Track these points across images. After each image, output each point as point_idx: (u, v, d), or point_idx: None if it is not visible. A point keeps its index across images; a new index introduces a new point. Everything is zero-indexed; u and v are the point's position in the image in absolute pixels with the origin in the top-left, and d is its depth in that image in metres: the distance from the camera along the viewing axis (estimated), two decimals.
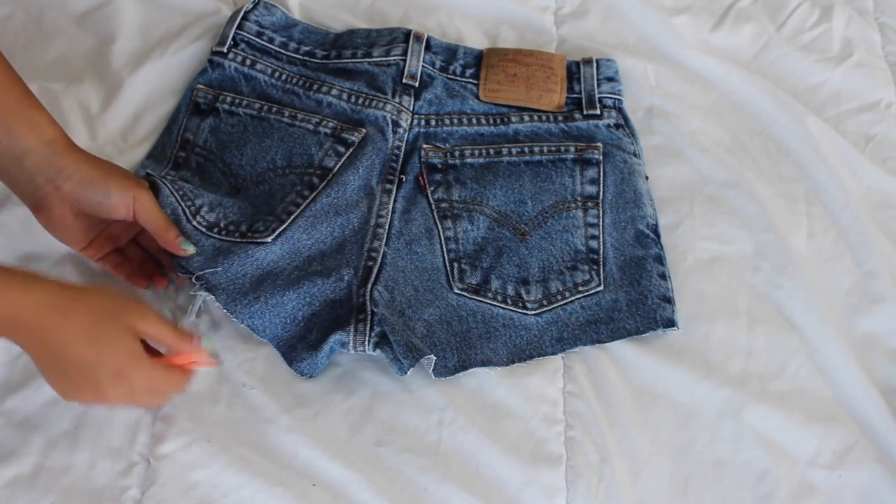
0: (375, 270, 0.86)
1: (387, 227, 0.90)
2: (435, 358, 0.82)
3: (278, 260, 0.86)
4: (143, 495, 0.76)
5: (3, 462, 0.76)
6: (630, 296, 0.90)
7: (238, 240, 0.86)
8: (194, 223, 0.86)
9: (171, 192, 0.86)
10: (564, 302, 0.89)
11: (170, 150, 0.93)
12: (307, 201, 0.89)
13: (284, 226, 0.87)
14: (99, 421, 0.79)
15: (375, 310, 0.83)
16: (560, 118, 0.99)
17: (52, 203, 0.78)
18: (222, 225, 0.87)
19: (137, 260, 0.86)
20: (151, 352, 0.74)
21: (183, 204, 0.86)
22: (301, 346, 0.83)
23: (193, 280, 0.83)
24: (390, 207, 0.91)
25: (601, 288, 0.90)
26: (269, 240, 0.86)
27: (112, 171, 0.80)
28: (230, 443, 0.79)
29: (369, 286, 0.85)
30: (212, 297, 0.83)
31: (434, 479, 0.79)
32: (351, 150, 0.93)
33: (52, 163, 0.77)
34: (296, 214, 0.88)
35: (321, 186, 0.90)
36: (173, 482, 0.77)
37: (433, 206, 0.93)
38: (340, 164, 0.92)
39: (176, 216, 0.85)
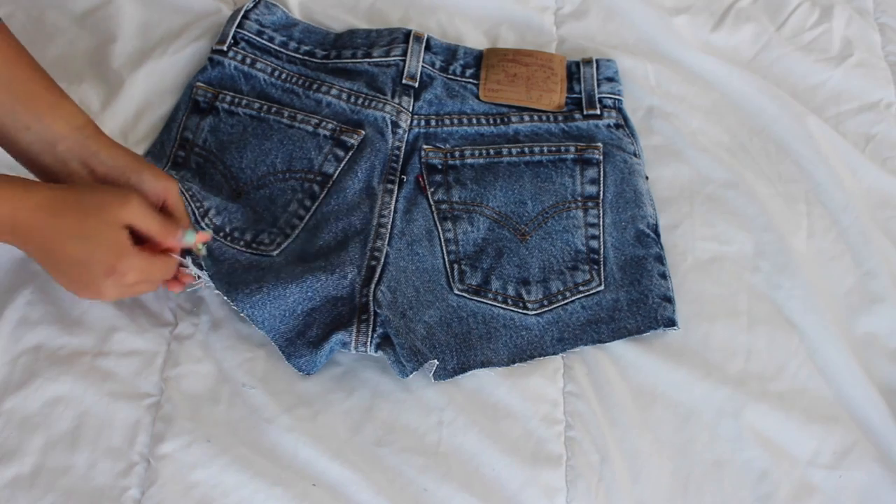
0: (379, 270, 0.87)
1: (389, 227, 0.90)
2: (437, 362, 0.82)
3: (282, 260, 0.86)
4: (143, 495, 0.76)
5: (3, 462, 0.76)
6: (631, 295, 0.90)
7: (243, 249, 0.87)
8: (202, 225, 0.87)
9: (182, 192, 0.86)
10: (565, 302, 0.89)
11: (169, 149, 0.94)
12: (309, 213, 0.89)
13: (289, 241, 0.88)
14: (99, 421, 0.79)
15: (378, 311, 0.83)
16: (560, 118, 0.99)
17: None
18: (228, 230, 0.88)
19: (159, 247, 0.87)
20: (139, 239, 0.77)
21: (192, 205, 0.87)
22: (300, 342, 0.83)
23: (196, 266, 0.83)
24: (392, 207, 0.91)
25: (602, 288, 0.90)
26: (274, 254, 0.87)
27: (143, 160, 0.82)
28: (230, 443, 0.79)
29: (373, 286, 0.85)
30: (211, 287, 0.83)
31: (434, 479, 0.79)
32: (350, 154, 0.93)
33: (85, 147, 0.79)
34: (300, 228, 0.89)
35: (322, 196, 0.90)
36: (173, 482, 0.77)
37: (433, 208, 0.93)
38: (340, 169, 0.92)
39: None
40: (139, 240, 0.76)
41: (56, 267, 0.75)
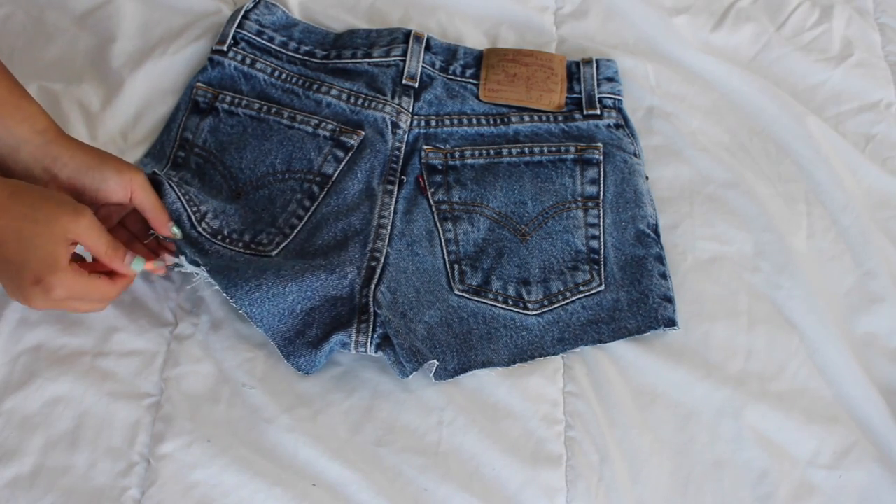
0: (379, 271, 0.87)
1: (389, 227, 0.90)
2: (437, 363, 0.82)
3: (282, 260, 0.87)
4: (143, 495, 0.76)
5: (3, 462, 0.76)
6: (631, 295, 0.90)
7: (241, 250, 0.87)
8: (199, 229, 0.87)
9: (178, 197, 0.86)
10: (565, 302, 0.89)
11: (169, 149, 0.93)
12: (309, 213, 0.89)
13: (288, 240, 0.88)
14: (99, 421, 0.79)
15: (379, 311, 0.83)
16: (560, 118, 0.99)
17: None
18: (226, 233, 0.88)
19: (124, 241, 0.86)
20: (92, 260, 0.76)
21: (189, 209, 0.87)
22: (300, 342, 0.83)
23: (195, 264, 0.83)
24: (392, 208, 0.91)
25: (602, 288, 0.90)
26: (273, 254, 0.87)
27: (105, 157, 0.80)
28: (230, 443, 0.79)
29: (373, 287, 0.85)
30: (210, 284, 0.83)
31: (434, 479, 0.79)
32: (350, 155, 0.93)
33: (47, 152, 0.78)
34: (299, 228, 0.89)
35: (321, 196, 0.90)
36: (173, 482, 0.77)
37: (433, 208, 0.93)
38: (339, 170, 0.92)
39: (181, 222, 0.85)
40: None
41: None
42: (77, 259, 0.77)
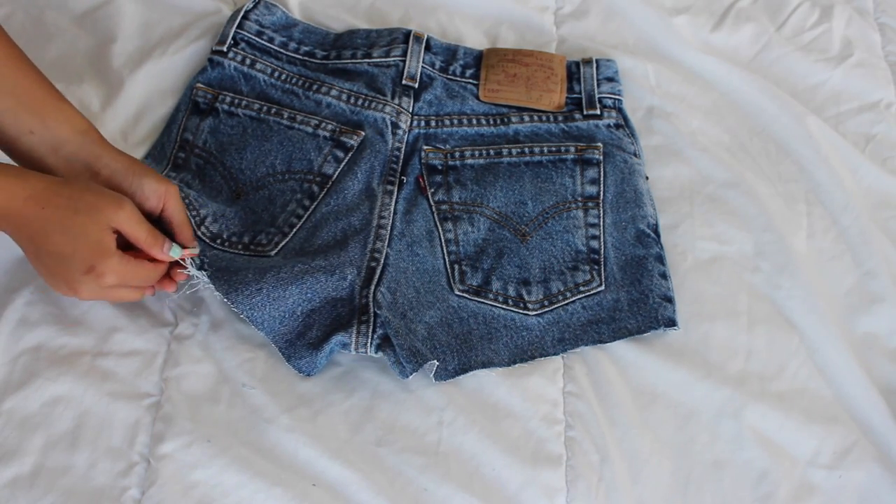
0: (378, 271, 0.87)
1: (389, 228, 0.90)
2: (437, 363, 0.82)
3: (281, 261, 0.86)
4: (143, 495, 0.76)
5: (3, 462, 0.76)
6: (631, 295, 0.90)
7: (241, 252, 0.87)
8: (199, 233, 0.87)
9: (183, 198, 0.86)
10: (566, 302, 0.89)
11: (169, 150, 0.94)
12: (308, 212, 0.89)
13: (287, 239, 0.88)
14: (99, 421, 0.79)
15: (378, 312, 0.83)
16: (560, 118, 0.99)
17: None
18: (225, 236, 0.88)
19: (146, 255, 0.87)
20: (128, 248, 0.77)
21: (188, 213, 0.87)
22: (300, 344, 0.83)
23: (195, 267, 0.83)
24: (392, 209, 0.91)
25: (602, 288, 0.90)
26: (272, 254, 0.87)
27: (143, 164, 0.82)
28: (230, 443, 0.79)
29: (372, 287, 0.85)
30: (211, 289, 0.83)
31: (434, 479, 0.79)
32: (350, 156, 0.93)
33: (89, 151, 0.80)
34: (298, 227, 0.89)
35: (321, 196, 0.90)
36: (173, 482, 0.77)
37: (433, 208, 0.93)
38: (339, 170, 0.92)
39: None
40: (128, 248, 0.77)
41: (39, 258, 0.76)
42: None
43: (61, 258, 0.74)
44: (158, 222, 0.83)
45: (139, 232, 0.77)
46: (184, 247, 0.81)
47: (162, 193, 0.81)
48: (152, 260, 0.80)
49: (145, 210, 0.81)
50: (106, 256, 0.75)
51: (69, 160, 0.79)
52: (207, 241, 0.87)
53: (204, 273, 0.83)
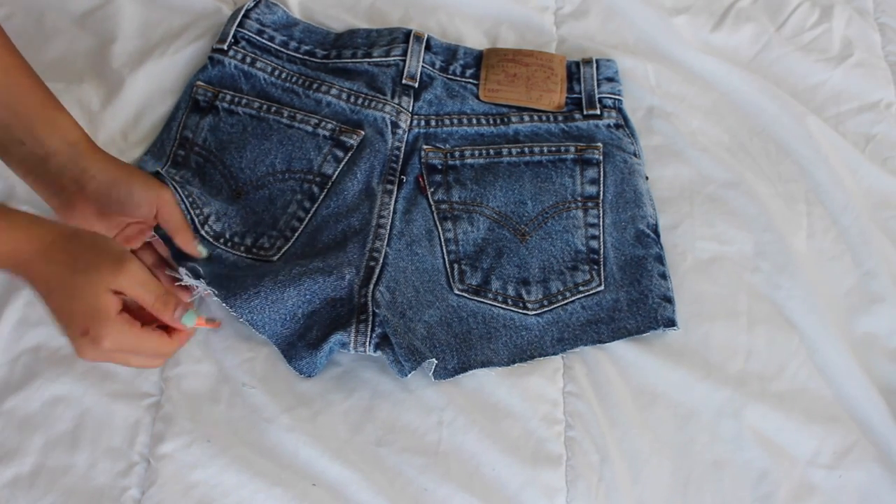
0: (377, 271, 0.87)
1: (388, 227, 0.90)
2: (436, 361, 0.82)
3: (281, 265, 0.87)
4: (143, 495, 0.76)
5: (3, 462, 0.76)
6: (631, 295, 0.90)
7: (243, 254, 0.87)
8: (202, 232, 0.87)
9: (182, 199, 0.87)
10: (565, 302, 0.89)
11: (168, 148, 0.94)
12: (309, 215, 0.89)
13: (289, 244, 0.88)
14: (99, 421, 0.79)
15: (377, 311, 0.83)
16: (560, 118, 0.99)
17: (76, 203, 0.79)
18: (227, 236, 0.88)
19: (149, 264, 0.86)
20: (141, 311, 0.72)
21: (192, 212, 0.87)
22: (301, 345, 0.83)
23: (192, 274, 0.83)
24: (391, 208, 0.91)
25: (602, 288, 0.90)
26: (274, 259, 0.87)
27: (134, 172, 0.81)
28: (230, 443, 0.79)
29: (371, 286, 0.85)
30: (210, 292, 0.83)
31: (434, 479, 0.79)
32: (349, 155, 0.93)
33: (77, 163, 0.79)
34: (299, 231, 0.89)
35: (321, 197, 0.90)
36: (173, 482, 0.77)
37: (433, 208, 0.93)
38: (339, 170, 0.92)
39: None
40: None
41: (49, 309, 0.71)
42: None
43: (62, 317, 0.70)
44: (158, 229, 0.83)
45: (145, 295, 0.71)
46: (199, 317, 0.75)
47: (153, 200, 0.80)
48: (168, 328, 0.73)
49: (138, 219, 0.81)
50: (100, 320, 0.68)
51: (56, 173, 0.78)
52: (211, 240, 0.87)
53: (202, 281, 0.83)
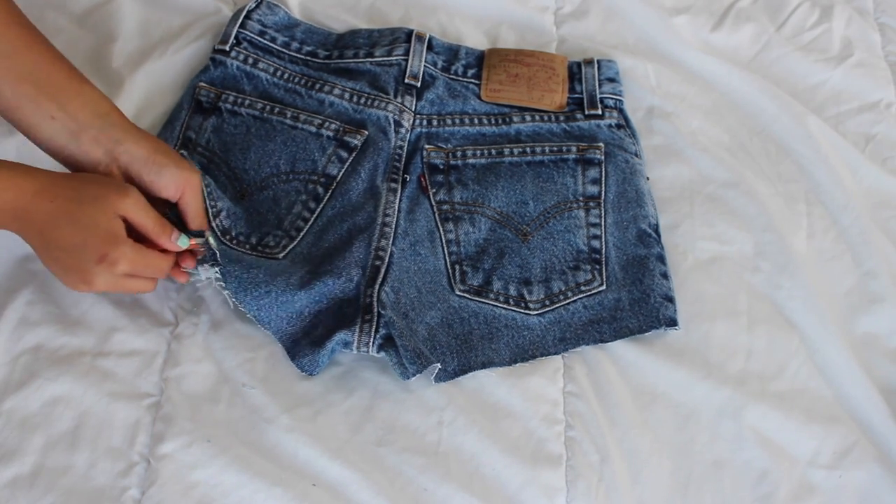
0: (383, 270, 0.87)
1: (393, 226, 0.90)
2: (440, 366, 0.82)
3: (290, 265, 0.86)
4: (143, 495, 0.76)
5: (3, 462, 0.76)
6: (632, 295, 0.90)
7: (248, 252, 0.87)
8: (213, 225, 0.87)
9: (204, 188, 0.86)
10: (567, 302, 0.89)
11: (170, 146, 0.93)
12: (314, 215, 0.89)
13: (294, 243, 0.88)
14: (99, 421, 0.79)
15: (382, 311, 0.83)
16: (562, 118, 0.99)
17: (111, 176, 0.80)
18: (233, 234, 0.88)
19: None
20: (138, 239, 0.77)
21: (207, 202, 0.86)
22: (305, 342, 0.83)
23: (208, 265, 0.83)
24: (396, 206, 0.91)
25: (603, 287, 0.90)
26: (280, 257, 0.87)
27: (168, 150, 0.82)
28: (230, 443, 0.79)
29: (377, 287, 0.85)
30: (214, 287, 0.83)
31: (434, 479, 0.79)
32: (353, 155, 0.93)
33: (110, 135, 0.79)
34: (305, 231, 0.89)
35: (326, 198, 0.90)
36: (173, 482, 0.77)
37: (435, 208, 0.93)
38: (343, 171, 0.92)
39: None
40: (137, 239, 0.77)
41: (50, 253, 0.76)
42: None
43: (73, 250, 0.74)
44: (171, 209, 0.83)
45: (146, 220, 0.77)
46: (192, 237, 0.81)
47: (182, 183, 0.80)
48: (163, 250, 0.79)
49: (163, 198, 0.81)
50: (117, 243, 0.74)
51: (89, 146, 0.78)
52: (219, 234, 0.87)
53: (216, 270, 0.83)
